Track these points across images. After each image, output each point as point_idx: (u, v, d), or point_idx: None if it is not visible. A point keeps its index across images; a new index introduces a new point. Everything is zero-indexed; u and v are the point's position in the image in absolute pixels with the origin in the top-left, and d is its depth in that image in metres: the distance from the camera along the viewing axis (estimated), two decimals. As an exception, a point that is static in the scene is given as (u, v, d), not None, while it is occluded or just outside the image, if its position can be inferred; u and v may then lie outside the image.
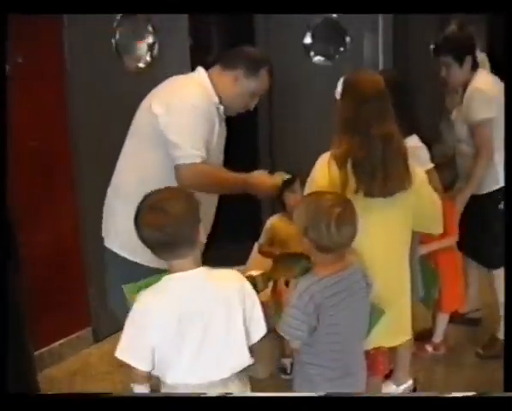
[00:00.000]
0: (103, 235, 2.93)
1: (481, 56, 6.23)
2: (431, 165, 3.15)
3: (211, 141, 2.76)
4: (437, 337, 3.82)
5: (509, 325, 2.05)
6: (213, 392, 2.03)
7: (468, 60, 3.54)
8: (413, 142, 3.10)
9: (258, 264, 2.96)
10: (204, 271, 2.10)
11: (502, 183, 3.43)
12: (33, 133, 3.45)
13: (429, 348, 3.79)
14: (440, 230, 2.88)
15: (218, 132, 2.81)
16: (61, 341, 3.74)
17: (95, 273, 3.75)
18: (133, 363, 2.05)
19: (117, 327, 3.77)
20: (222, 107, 2.81)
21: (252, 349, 2.14)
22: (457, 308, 3.79)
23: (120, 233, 2.78)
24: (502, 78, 3.32)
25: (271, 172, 2.97)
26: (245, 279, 2.19)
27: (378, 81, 2.64)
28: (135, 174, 2.78)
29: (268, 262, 2.77)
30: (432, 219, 2.82)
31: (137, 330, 2.05)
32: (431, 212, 2.79)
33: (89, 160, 3.74)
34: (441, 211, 2.83)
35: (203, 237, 2.14)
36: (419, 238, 3.13)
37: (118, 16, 3.76)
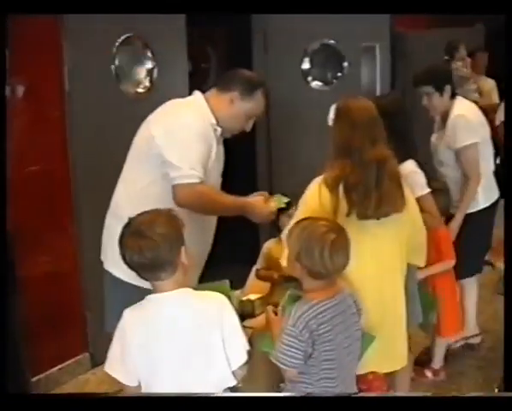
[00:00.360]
0: (102, 258, 2.93)
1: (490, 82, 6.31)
2: (428, 190, 3.16)
3: (209, 162, 2.77)
4: (437, 363, 3.80)
5: (508, 326, 2.04)
6: None
7: (448, 89, 3.69)
8: (409, 167, 3.12)
9: (256, 287, 2.96)
10: (184, 292, 2.13)
11: (481, 206, 3.71)
12: (33, 157, 3.46)
13: (429, 374, 3.77)
14: (423, 263, 2.90)
15: (216, 154, 2.82)
16: (58, 366, 3.71)
17: (92, 298, 3.75)
18: (118, 377, 2.12)
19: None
20: (219, 129, 2.83)
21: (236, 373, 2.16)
22: (456, 333, 3.78)
23: (118, 254, 2.78)
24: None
25: (270, 195, 2.98)
26: (227, 304, 2.18)
27: (369, 107, 2.68)
28: (133, 196, 2.79)
29: (266, 286, 2.77)
30: (418, 250, 2.83)
31: (120, 346, 2.11)
32: (418, 242, 2.81)
33: (88, 184, 3.73)
34: (426, 244, 2.86)
35: (186, 259, 2.14)
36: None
37: (118, 42, 3.78)
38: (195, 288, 2.23)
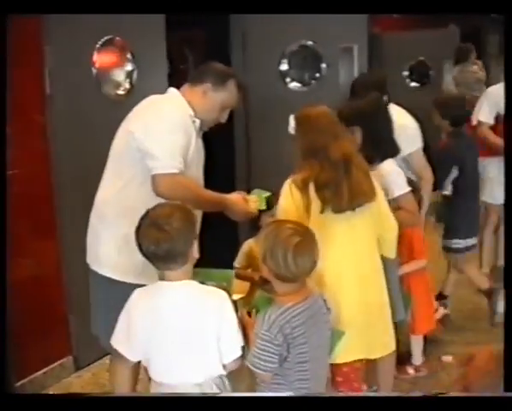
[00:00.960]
0: (87, 260, 2.93)
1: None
2: (409, 189, 3.20)
3: (189, 154, 2.79)
4: (417, 360, 3.84)
5: (508, 326, 2.06)
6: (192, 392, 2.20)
7: (385, 98, 3.70)
8: (389, 167, 3.16)
9: (239, 287, 2.97)
10: (190, 284, 2.26)
11: None
12: (13, 160, 3.43)
13: (410, 371, 3.81)
14: (393, 255, 2.95)
15: (195, 146, 2.85)
16: (42, 370, 3.68)
17: (76, 300, 3.74)
18: (122, 351, 2.31)
19: (99, 354, 3.80)
20: (197, 120, 2.87)
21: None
22: (429, 330, 3.83)
23: (104, 253, 2.81)
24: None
25: (248, 193, 3.03)
26: (227, 300, 2.27)
27: (326, 112, 2.79)
28: (114, 195, 2.81)
29: (248, 285, 2.78)
30: (387, 241, 2.90)
31: (127, 323, 2.27)
32: (387, 232, 2.87)
33: (71, 187, 3.72)
34: (396, 236, 2.93)
35: (196, 253, 2.28)
36: (398, 259, 3.18)
37: (98, 44, 3.77)
38: (200, 273, 2.42)
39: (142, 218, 2.24)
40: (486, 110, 4.85)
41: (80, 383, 3.79)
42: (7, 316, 2.39)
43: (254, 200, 2.97)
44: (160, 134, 2.71)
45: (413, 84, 7.25)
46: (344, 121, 3.13)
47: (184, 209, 2.28)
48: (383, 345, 2.88)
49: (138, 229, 2.23)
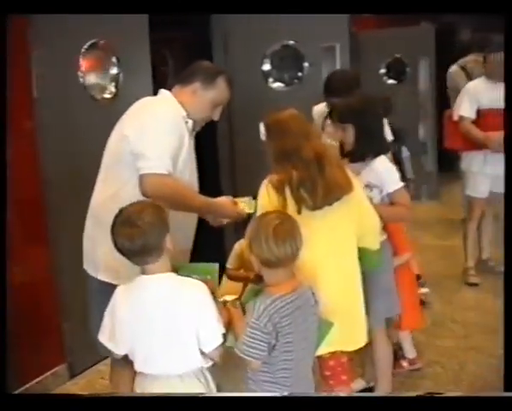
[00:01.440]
0: (84, 265, 2.91)
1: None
2: (402, 184, 3.21)
3: (181, 155, 2.80)
4: (410, 353, 3.86)
5: (508, 324, 2.08)
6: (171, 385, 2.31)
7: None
8: (382, 164, 3.18)
9: (231, 288, 2.97)
10: (170, 276, 2.37)
11: None
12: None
13: (405, 364, 3.83)
14: (376, 246, 2.96)
15: (188, 147, 2.85)
16: (37, 379, 3.63)
17: (69, 307, 3.71)
18: (109, 346, 2.40)
19: (93, 361, 3.76)
20: (190, 121, 2.88)
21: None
22: (416, 326, 3.81)
23: (100, 257, 2.80)
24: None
25: (234, 196, 3.04)
26: (205, 290, 2.35)
27: (294, 115, 2.81)
28: (108, 198, 2.79)
29: (240, 286, 2.78)
30: (369, 232, 2.90)
31: (111, 319, 2.38)
32: (368, 223, 2.88)
33: (61, 191, 3.68)
34: (378, 227, 2.96)
35: (170, 245, 2.35)
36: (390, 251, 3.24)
37: (84, 48, 3.75)
38: (185, 267, 2.55)
39: (116, 217, 2.33)
40: (467, 106, 4.91)
41: (75, 389, 3.73)
42: (7, 316, 2.37)
43: (243, 203, 2.98)
44: (154, 135, 2.70)
45: (391, 81, 7.32)
46: (337, 118, 3.22)
47: (154, 205, 2.39)
48: (357, 338, 2.88)
49: (113, 228, 2.32)
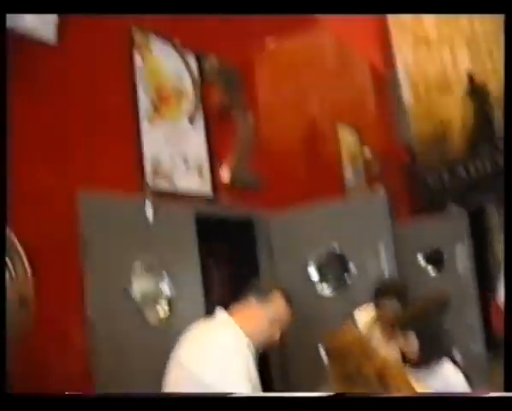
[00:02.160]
0: None
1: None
2: (468, 389, 3.10)
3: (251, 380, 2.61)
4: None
5: (509, 325, 2.04)
6: None
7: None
8: (448, 370, 3.14)
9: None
10: None
11: None
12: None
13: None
14: None
15: (254, 374, 2.66)
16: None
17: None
18: None
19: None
20: (251, 345, 2.71)
21: None
22: None
23: None
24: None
25: None
26: None
27: (354, 336, 2.73)
28: None
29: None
30: None
31: None
32: None
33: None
34: None
35: None
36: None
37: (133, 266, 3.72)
38: None
39: None
40: None
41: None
42: (6, 316, 2.38)
43: None
44: (220, 362, 2.56)
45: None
46: (400, 327, 3.25)
47: None
48: None
49: None
